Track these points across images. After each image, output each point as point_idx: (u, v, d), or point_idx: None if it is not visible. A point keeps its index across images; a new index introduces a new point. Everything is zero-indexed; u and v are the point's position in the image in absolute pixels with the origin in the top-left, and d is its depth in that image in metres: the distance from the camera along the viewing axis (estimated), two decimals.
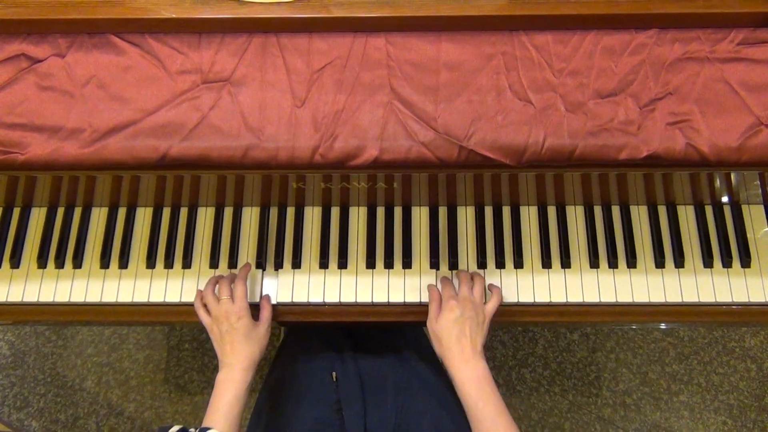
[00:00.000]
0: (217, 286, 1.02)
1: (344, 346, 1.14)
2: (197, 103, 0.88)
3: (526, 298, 1.07)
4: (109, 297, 1.08)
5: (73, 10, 0.91)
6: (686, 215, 1.11)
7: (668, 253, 1.08)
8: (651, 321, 1.08)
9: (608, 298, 1.06)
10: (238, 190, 1.07)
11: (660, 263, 1.07)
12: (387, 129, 0.87)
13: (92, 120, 0.87)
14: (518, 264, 1.08)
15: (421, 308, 1.06)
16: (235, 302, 0.98)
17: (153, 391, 1.86)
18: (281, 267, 1.09)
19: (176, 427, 0.83)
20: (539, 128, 0.86)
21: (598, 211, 1.11)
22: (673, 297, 1.06)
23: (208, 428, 0.87)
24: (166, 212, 1.13)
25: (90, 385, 1.87)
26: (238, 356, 0.94)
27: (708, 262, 1.08)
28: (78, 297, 1.08)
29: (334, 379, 1.08)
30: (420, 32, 0.92)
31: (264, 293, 1.08)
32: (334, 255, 1.09)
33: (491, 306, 0.99)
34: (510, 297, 1.06)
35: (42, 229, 1.12)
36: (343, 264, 1.09)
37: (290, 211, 1.13)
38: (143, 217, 1.13)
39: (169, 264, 1.10)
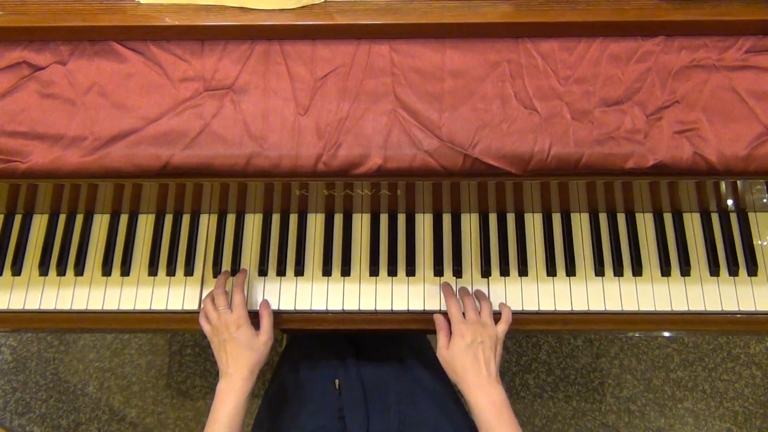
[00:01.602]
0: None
1: (347, 354, 1.14)
2: (200, 111, 0.88)
3: (530, 306, 1.06)
4: (111, 304, 1.08)
5: (75, 17, 0.90)
6: (692, 223, 1.10)
7: (674, 261, 1.07)
8: (656, 329, 1.07)
9: (613, 306, 1.06)
10: (240, 197, 1.07)
11: (666, 271, 1.07)
12: (391, 137, 0.86)
13: (94, 128, 0.87)
14: (523, 272, 1.08)
15: (425, 316, 1.06)
16: (234, 311, 0.97)
17: (155, 397, 1.85)
18: (284, 274, 1.09)
19: None
20: (545, 136, 0.85)
21: (603, 218, 1.10)
22: (679, 306, 1.05)
23: None
24: (168, 219, 1.12)
25: (92, 390, 1.86)
26: (237, 366, 0.93)
27: (714, 271, 1.07)
28: (80, 304, 1.08)
29: (337, 387, 1.07)
30: (424, 39, 0.91)
31: (265, 300, 1.07)
32: (337, 262, 1.09)
33: (502, 328, 0.97)
34: (514, 305, 1.05)
35: (44, 236, 1.11)
36: (346, 271, 1.08)
37: (293, 218, 1.12)
38: (145, 223, 1.12)
39: (171, 271, 1.09)
